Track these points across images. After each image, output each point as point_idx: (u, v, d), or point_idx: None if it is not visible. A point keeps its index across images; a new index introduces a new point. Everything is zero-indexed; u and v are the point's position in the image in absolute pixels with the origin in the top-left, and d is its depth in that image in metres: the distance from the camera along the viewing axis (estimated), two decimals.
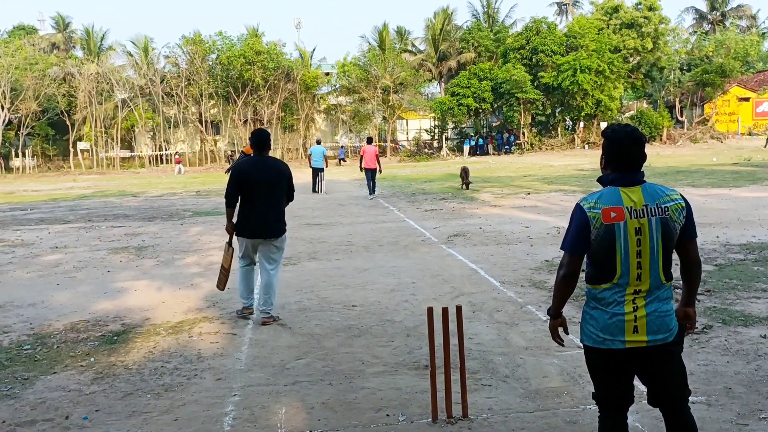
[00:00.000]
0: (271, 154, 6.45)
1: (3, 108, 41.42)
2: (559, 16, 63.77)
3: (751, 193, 15.25)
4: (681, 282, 2.97)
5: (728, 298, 6.32)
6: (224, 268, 6.43)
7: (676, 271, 2.91)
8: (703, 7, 63.25)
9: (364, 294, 7.07)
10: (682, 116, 48.47)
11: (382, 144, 44.84)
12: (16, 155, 44.21)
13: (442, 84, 53.76)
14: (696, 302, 3.06)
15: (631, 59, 46.23)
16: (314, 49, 73.23)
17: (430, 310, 4.03)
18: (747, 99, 50.13)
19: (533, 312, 6.12)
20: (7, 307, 7.03)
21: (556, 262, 7.66)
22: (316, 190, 20.72)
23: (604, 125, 38.81)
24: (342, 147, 45.57)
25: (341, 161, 42.09)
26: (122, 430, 3.96)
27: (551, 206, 14.24)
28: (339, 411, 4.11)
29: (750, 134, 47.75)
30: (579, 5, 63.14)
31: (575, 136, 45.42)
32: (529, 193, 17.28)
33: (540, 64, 43.49)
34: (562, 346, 3.15)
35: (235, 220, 6.23)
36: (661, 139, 45.17)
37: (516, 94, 42.32)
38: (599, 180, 2.95)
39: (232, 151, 43.93)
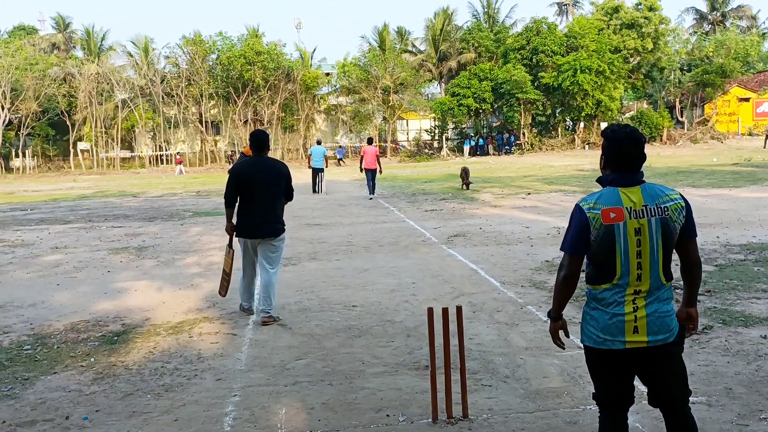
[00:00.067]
0: (271, 154, 6.47)
1: (3, 108, 41.46)
2: (560, 16, 63.89)
3: (752, 194, 15.24)
4: (681, 282, 2.97)
5: (728, 298, 6.32)
6: (225, 273, 6.46)
7: (676, 271, 2.91)
8: (704, 8, 63.34)
9: (365, 294, 7.07)
10: (682, 117, 48.47)
11: (382, 144, 44.82)
12: (17, 155, 44.23)
13: (443, 84, 53.73)
14: (697, 302, 3.06)
15: (631, 59, 46.21)
16: (314, 50, 73.22)
17: (430, 311, 4.03)
18: (747, 99, 50.13)
19: (533, 312, 6.12)
20: (8, 308, 7.04)
21: (557, 263, 7.66)
22: (317, 190, 20.72)
23: (604, 125, 38.72)
24: (341, 147, 45.47)
25: (340, 161, 42.04)
26: (122, 431, 3.96)
27: (551, 206, 14.24)
28: (339, 411, 4.11)
29: (750, 134, 47.72)
30: (579, 5, 63.23)
31: (575, 137, 45.42)
32: (529, 194, 17.27)
33: (540, 64, 43.49)
34: (563, 350, 3.15)
35: (234, 220, 6.25)
36: (661, 140, 45.16)
37: (516, 95, 42.33)
38: (599, 180, 2.95)
39: (232, 152, 43.94)
